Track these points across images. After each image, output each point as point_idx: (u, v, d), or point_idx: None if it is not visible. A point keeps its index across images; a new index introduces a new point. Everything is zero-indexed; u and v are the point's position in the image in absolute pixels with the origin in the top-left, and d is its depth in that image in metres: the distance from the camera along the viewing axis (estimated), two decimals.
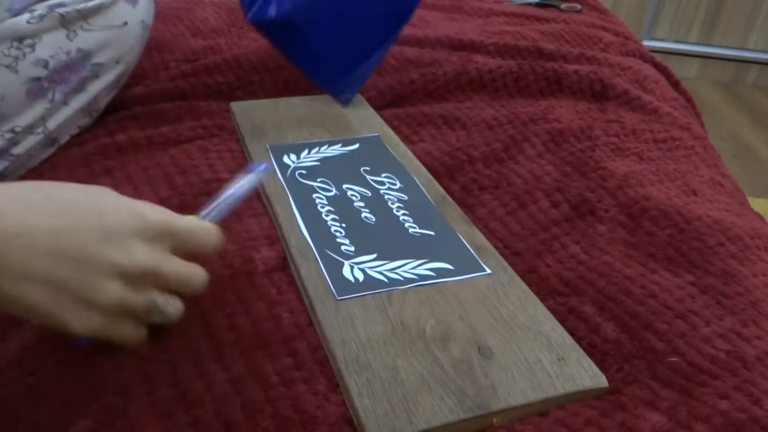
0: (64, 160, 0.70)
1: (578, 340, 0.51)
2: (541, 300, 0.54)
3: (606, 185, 0.70)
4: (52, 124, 0.71)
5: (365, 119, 0.78)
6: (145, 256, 0.42)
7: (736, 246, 0.61)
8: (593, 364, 0.46)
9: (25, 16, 0.66)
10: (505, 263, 0.56)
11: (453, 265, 0.55)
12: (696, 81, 2.81)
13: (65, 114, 0.72)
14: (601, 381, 0.46)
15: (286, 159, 0.68)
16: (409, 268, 0.54)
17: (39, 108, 0.68)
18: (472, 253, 0.56)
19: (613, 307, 0.54)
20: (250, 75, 0.88)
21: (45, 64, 0.68)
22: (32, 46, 0.67)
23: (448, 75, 0.91)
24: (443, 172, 0.71)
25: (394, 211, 0.61)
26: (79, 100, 0.72)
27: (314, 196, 0.62)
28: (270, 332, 0.50)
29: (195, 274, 0.47)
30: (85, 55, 0.71)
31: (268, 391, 0.45)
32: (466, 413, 0.42)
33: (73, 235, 0.38)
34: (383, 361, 0.46)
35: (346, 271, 0.53)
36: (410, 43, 1.02)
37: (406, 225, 0.59)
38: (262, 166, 0.56)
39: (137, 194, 0.64)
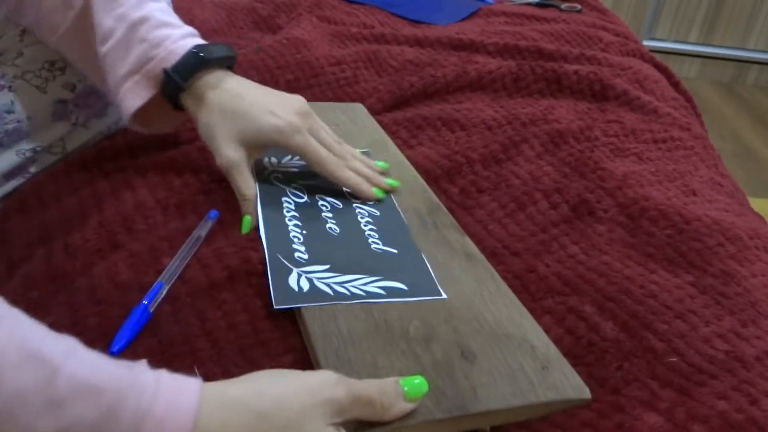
0: (63, 165, 0.70)
1: (577, 339, 0.51)
2: (540, 299, 0.54)
3: (605, 185, 0.70)
4: (71, 145, 0.71)
5: (365, 128, 0.78)
6: None
7: (735, 246, 0.61)
8: (576, 375, 0.46)
9: None
10: (494, 271, 0.56)
11: (407, 286, 0.52)
12: (696, 81, 2.80)
13: (84, 136, 0.73)
14: (584, 392, 0.45)
15: (266, 161, 0.68)
16: (359, 283, 0.52)
17: (61, 129, 0.69)
18: (431, 276, 0.54)
19: (612, 306, 0.54)
20: (250, 74, 0.88)
21: (72, 88, 0.69)
22: (62, 70, 0.68)
23: (448, 76, 0.91)
24: (441, 175, 0.71)
25: (362, 225, 0.60)
26: (100, 124, 0.74)
27: (283, 199, 0.61)
28: (268, 330, 0.50)
29: None
30: None
31: None
32: (444, 413, 0.42)
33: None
34: (363, 357, 0.45)
35: (293, 279, 0.52)
36: (410, 43, 1.02)
37: (370, 240, 0.58)
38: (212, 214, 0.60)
39: (135, 196, 0.64)
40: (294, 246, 0.55)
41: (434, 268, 0.55)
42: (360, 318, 0.48)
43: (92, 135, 0.73)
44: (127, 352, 0.47)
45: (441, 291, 0.53)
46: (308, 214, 0.60)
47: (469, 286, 0.53)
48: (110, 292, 0.52)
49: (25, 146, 0.67)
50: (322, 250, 0.55)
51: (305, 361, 0.48)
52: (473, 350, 0.47)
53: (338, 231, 0.58)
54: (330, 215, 0.60)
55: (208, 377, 0.45)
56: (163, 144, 0.74)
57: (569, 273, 0.58)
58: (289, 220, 0.59)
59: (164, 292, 0.52)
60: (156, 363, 0.46)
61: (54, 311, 0.51)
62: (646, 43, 2.71)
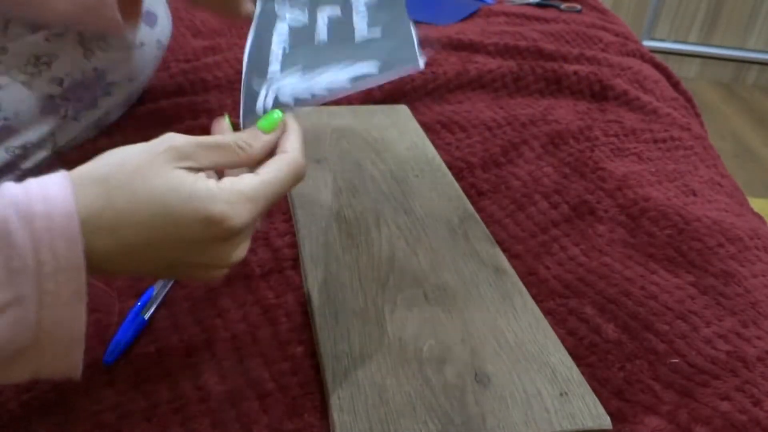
0: (63, 164, 0.70)
1: (579, 340, 0.51)
2: (541, 301, 0.54)
3: (605, 186, 0.69)
4: (62, 139, 0.70)
5: (406, 131, 0.78)
6: (232, 255, 0.40)
7: (735, 247, 0.61)
8: (598, 403, 0.44)
9: (44, 33, 0.65)
10: (522, 287, 0.54)
11: (381, 62, 0.45)
12: (696, 81, 2.80)
13: (75, 129, 0.71)
14: (604, 422, 0.43)
15: None
16: (326, 78, 0.45)
17: (50, 123, 0.68)
18: (412, 43, 0.46)
19: (613, 308, 0.54)
20: None
21: (60, 82, 0.67)
22: (49, 64, 0.66)
23: (448, 75, 0.91)
24: None
25: (353, 18, 0.51)
26: (91, 117, 0.72)
27: (278, 23, 0.53)
28: (267, 338, 0.49)
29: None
30: (100, 75, 0.71)
31: (264, 400, 0.44)
32: None
33: (162, 253, 0.38)
34: (372, 378, 0.44)
35: (260, 101, 0.45)
36: None
37: (357, 29, 0.50)
38: None
39: None
40: (270, 65, 0.49)
41: (458, 280, 0.54)
42: (374, 336, 0.48)
43: (83, 128, 0.72)
44: (122, 361, 0.47)
45: (418, 58, 0.45)
46: (300, 32, 0.52)
47: (494, 303, 0.52)
48: (106, 299, 0.52)
49: (15, 143, 0.65)
50: (297, 56, 0.49)
51: (304, 368, 0.47)
52: (488, 373, 0.45)
53: (327, 39, 0.51)
54: (325, 29, 0.52)
55: (208, 387, 0.45)
56: None
57: (570, 275, 0.58)
58: (278, 42, 0.51)
59: (159, 297, 0.52)
60: (154, 372, 0.46)
61: None
62: (646, 43, 2.70)
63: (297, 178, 0.41)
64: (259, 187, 0.39)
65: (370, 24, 0.50)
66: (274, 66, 0.48)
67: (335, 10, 0.53)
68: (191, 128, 0.76)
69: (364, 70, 0.45)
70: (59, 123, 0.69)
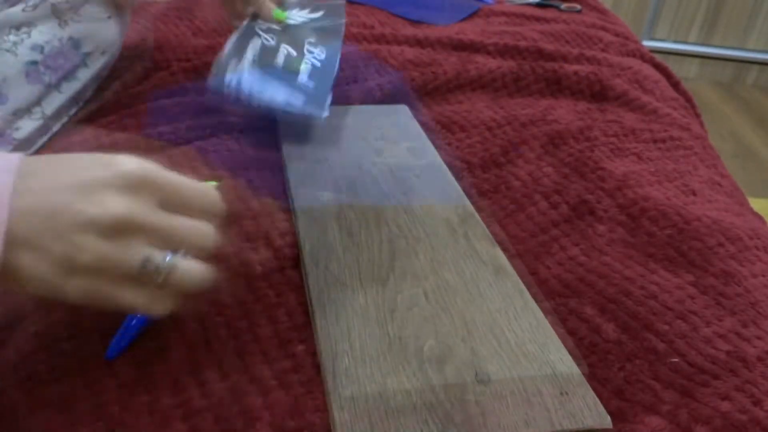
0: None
1: (579, 340, 0.51)
2: (541, 301, 0.54)
3: (605, 186, 0.69)
4: (48, 109, 0.74)
5: (406, 131, 0.78)
6: (117, 205, 0.38)
7: (735, 246, 0.61)
8: (599, 403, 0.44)
9: (20, 5, 0.72)
10: (523, 287, 0.54)
11: (303, 100, 0.70)
12: (696, 81, 2.81)
13: (59, 100, 0.76)
14: (605, 421, 0.43)
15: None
16: (271, 91, 0.70)
17: (36, 90, 0.72)
18: (326, 96, 0.72)
19: (613, 308, 0.54)
20: None
21: (41, 50, 0.72)
22: (29, 33, 0.72)
23: (448, 75, 0.91)
24: None
25: (302, 61, 0.77)
26: (71, 88, 0.77)
27: (254, 37, 0.79)
28: (268, 337, 0.49)
29: (197, 228, 0.42)
30: (75, 44, 0.76)
31: (266, 397, 0.44)
32: None
33: (43, 192, 0.37)
34: (372, 377, 0.44)
35: (228, 76, 0.70)
36: (410, 43, 1.02)
37: (299, 73, 0.75)
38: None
39: None
40: (244, 60, 0.73)
41: (459, 279, 0.54)
42: (374, 335, 0.48)
43: (66, 100, 0.76)
44: (125, 356, 0.47)
45: (323, 111, 0.69)
46: (268, 52, 0.76)
47: (494, 302, 0.52)
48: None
49: (4, 109, 0.69)
50: (261, 65, 0.73)
51: (306, 367, 0.47)
52: (488, 372, 0.45)
53: (281, 65, 0.75)
54: (282, 58, 0.76)
55: (210, 383, 0.45)
56: (165, 145, 0.73)
57: (570, 275, 0.58)
58: (251, 50, 0.75)
59: None
60: (155, 368, 0.46)
61: (51, 312, 0.51)
62: (646, 43, 2.71)
63: (201, 191, 0.43)
64: (162, 169, 0.41)
65: (310, 76, 0.74)
66: (244, 62, 0.73)
67: (292, 51, 0.78)
68: (192, 128, 0.76)
69: (294, 101, 0.70)
70: (44, 91, 0.73)
